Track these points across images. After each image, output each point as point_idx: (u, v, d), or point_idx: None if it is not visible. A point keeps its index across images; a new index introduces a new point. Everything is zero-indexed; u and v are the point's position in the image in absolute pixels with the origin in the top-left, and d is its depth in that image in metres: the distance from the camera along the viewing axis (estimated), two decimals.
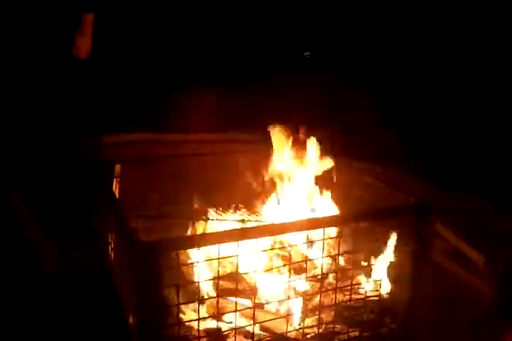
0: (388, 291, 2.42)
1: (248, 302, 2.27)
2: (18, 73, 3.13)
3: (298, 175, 2.79)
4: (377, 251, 2.46)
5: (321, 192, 2.77)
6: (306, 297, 2.29)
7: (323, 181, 2.79)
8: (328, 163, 2.72)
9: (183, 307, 2.22)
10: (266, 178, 2.77)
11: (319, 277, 2.27)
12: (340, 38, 3.71)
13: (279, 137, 2.74)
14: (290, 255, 2.23)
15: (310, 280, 2.35)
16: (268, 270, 2.35)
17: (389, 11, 3.73)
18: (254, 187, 2.82)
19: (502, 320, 2.27)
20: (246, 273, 2.30)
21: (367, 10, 3.71)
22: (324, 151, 2.74)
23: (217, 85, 3.37)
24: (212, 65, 3.60)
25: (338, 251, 2.19)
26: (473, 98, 3.37)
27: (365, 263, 2.46)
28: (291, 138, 2.74)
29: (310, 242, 2.29)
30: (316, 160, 2.74)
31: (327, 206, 2.74)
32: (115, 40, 3.66)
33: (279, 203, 2.78)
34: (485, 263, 2.52)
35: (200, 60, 3.68)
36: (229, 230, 2.25)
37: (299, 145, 2.75)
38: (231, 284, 2.25)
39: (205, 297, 2.25)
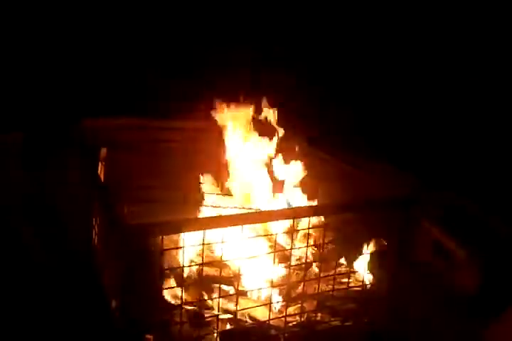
0: (371, 282, 2.43)
1: (231, 289, 2.28)
2: None
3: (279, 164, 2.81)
4: (361, 243, 2.47)
5: (306, 183, 2.78)
6: (290, 285, 2.29)
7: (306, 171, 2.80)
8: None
9: (166, 292, 2.22)
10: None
11: (303, 266, 2.28)
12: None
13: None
14: (275, 243, 2.23)
15: (294, 269, 2.36)
16: (252, 257, 2.35)
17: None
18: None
19: (480, 316, 2.29)
20: (230, 260, 2.30)
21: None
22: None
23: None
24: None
25: (323, 240, 2.19)
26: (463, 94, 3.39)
27: (349, 254, 2.47)
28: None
29: (294, 231, 2.29)
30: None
31: (310, 196, 2.76)
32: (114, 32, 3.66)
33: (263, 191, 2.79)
34: (467, 259, 2.54)
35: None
36: (214, 216, 2.25)
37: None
38: (215, 270, 2.25)
39: (189, 283, 2.24)
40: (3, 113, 3.09)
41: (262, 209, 2.61)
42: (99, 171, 2.54)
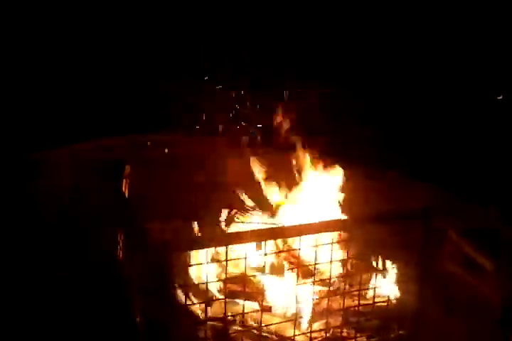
0: (396, 297, 2.41)
1: (256, 305, 2.27)
2: None
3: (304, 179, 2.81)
4: (386, 256, 2.45)
5: (329, 196, 2.77)
6: (314, 301, 2.28)
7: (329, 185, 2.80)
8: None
9: (191, 308, 2.23)
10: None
11: (327, 281, 2.26)
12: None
13: None
14: (298, 258, 2.22)
15: (318, 285, 2.34)
16: (276, 273, 2.35)
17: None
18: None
19: (508, 329, 2.25)
20: (254, 276, 2.29)
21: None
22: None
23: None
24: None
25: (347, 255, 2.18)
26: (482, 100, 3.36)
27: (374, 268, 2.45)
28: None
29: (318, 246, 2.28)
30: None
31: (335, 210, 2.75)
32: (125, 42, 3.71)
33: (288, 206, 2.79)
34: (495, 271, 2.50)
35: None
36: (238, 232, 2.25)
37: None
38: (239, 286, 2.25)
39: (213, 298, 2.24)
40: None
41: (286, 225, 2.61)
42: (123, 188, 2.57)
